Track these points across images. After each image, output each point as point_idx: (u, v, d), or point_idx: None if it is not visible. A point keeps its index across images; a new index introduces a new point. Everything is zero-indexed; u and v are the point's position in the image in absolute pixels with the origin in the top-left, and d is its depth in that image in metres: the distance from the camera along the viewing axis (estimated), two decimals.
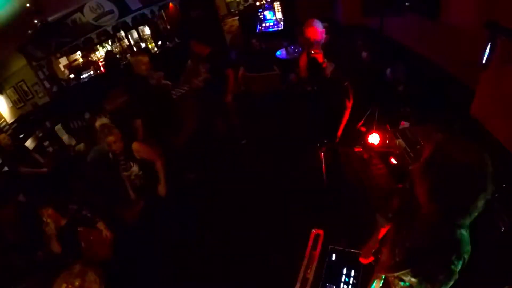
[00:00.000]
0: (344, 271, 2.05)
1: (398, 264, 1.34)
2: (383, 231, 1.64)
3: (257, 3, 7.56)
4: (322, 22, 2.92)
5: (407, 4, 3.24)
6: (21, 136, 5.44)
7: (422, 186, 1.08)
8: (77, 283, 2.45)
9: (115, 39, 8.29)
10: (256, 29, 7.25)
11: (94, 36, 6.26)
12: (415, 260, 1.20)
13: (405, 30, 3.64)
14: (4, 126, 5.54)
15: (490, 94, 2.30)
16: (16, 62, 5.97)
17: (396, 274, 1.34)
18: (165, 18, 8.77)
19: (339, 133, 3.20)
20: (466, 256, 1.10)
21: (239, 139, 4.54)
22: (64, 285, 2.44)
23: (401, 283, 1.34)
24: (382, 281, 1.48)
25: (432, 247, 1.13)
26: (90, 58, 8.09)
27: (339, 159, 3.42)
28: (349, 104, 3.12)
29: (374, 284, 1.51)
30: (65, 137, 4.64)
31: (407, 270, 1.26)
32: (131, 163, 2.85)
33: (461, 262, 1.09)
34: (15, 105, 6.03)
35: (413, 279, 1.25)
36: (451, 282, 1.12)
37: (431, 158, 1.04)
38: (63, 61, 7.44)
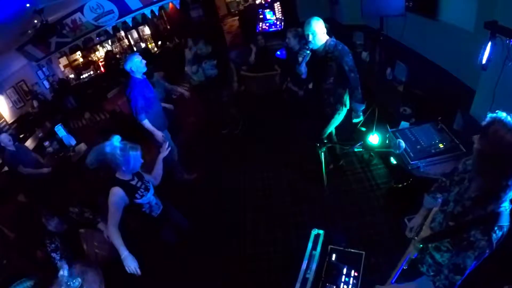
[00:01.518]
0: (344, 271, 2.05)
1: (442, 233, 1.41)
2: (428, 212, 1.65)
3: (257, 2, 7.57)
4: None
5: (408, 4, 3.23)
6: (21, 136, 5.44)
7: (476, 150, 1.17)
8: (77, 283, 2.46)
9: (115, 39, 8.32)
10: (256, 29, 7.26)
11: (94, 36, 6.26)
12: (460, 227, 1.28)
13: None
14: (4, 126, 5.54)
15: (490, 94, 2.29)
16: (16, 62, 5.97)
17: (433, 244, 1.42)
18: (165, 18, 8.79)
19: (323, 133, 3.07)
20: (505, 230, 1.18)
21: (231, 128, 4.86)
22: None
23: (429, 261, 1.45)
24: (416, 253, 1.55)
25: (479, 215, 1.22)
26: (90, 58, 8.12)
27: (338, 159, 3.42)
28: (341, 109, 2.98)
29: (409, 256, 1.58)
30: (65, 137, 4.63)
31: (446, 240, 1.35)
32: (147, 181, 2.32)
33: (500, 233, 1.16)
34: (15, 105, 6.04)
35: (445, 255, 1.34)
36: (487, 252, 1.19)
37: (484, 128, 1.14)
38: (63, 61, 7.46)
